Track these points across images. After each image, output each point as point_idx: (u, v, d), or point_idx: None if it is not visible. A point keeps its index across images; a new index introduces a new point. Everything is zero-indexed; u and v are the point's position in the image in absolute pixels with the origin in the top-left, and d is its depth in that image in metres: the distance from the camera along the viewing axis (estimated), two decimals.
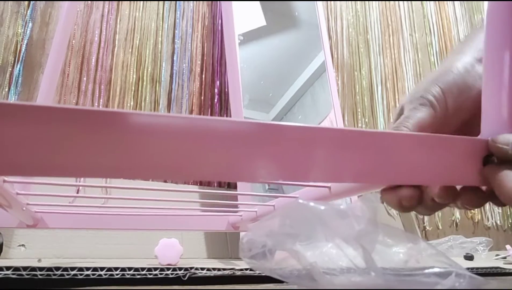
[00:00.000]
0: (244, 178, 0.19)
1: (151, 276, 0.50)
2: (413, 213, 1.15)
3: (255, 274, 0.54)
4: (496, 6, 0.26)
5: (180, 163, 0.18)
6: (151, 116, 0.17)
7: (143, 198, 0.54)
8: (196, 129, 0.18)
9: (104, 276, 0.47)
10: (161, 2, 1.16)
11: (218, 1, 1.22)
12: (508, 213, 1.54)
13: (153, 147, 0.17)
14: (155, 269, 0.50)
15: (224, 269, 0.54)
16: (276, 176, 0.19)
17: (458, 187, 0.26)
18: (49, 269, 0.45)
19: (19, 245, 0.78)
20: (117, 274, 0.48)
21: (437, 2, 1.61)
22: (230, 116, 1.07)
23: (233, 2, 1.07)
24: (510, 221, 1.54)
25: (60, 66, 0.66)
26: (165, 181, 0.94)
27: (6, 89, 0.93)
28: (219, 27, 1.20)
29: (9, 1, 0.98)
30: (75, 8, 0.76)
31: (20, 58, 0.95)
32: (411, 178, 0.22)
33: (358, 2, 1.45)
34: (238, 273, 0.54)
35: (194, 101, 1.12)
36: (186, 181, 1.02)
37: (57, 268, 0.45)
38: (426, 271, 0.20)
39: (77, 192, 0.68)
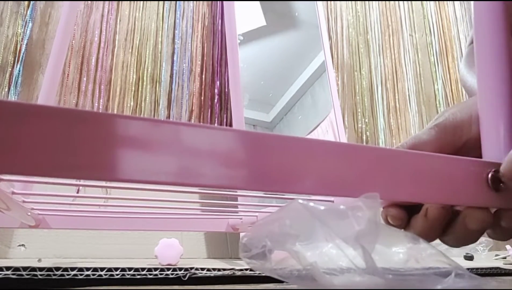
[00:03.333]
0: (242, 187, 0.19)
1: (151, 276, 0.50)
2: None
3: (255, 274, 0.54)
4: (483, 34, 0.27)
5: (176, 169, 0.18)
6: (150, 122, 0.17)
7: (143, 198, 0.54)
8: (189, 136, 0.18)
9: (104, 276, 0.47)
10: (161, 2, 1.16)
11: (218, 1, 1.22)
12: None
13: (148, 153, 0.17)
14: (155, 269, 0.50)
15: (224, 269, 0.53)
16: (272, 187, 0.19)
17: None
18: (49, 269, 0.45)
19: (19, 245, 0.78)
20: (117, 275, 0.48)
21: (437, 2, 1.61)
22: (231, 117, 1.07)
23: (234, 2, 1.07)
24: None
25: (61, 66, 0.66)
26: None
27: (6, 89, 0.93)
28: (219, 27, 1.20)
29: (9, 1, 0.98)
30: (76, 8, 0.76)
31: (20, 58, 0.95)
32: (408, 195, 0.23)
33: (358, 2, 1.45)
34: (238, 273, 0.54)
35: (194, 101, 1.12)
36: None
37: (57, 268, 0.45)
38: (426, 271, 0.20)
39: (77, 192, 0.68)
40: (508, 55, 0.26)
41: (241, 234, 0.77)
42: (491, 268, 0.69)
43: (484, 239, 1.07)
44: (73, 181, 0.64)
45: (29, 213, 0.48)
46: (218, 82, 1.15)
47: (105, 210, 0.57)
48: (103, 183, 0.65)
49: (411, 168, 0.22)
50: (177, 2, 1.18)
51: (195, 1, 1.20)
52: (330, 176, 0.20)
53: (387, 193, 0.22)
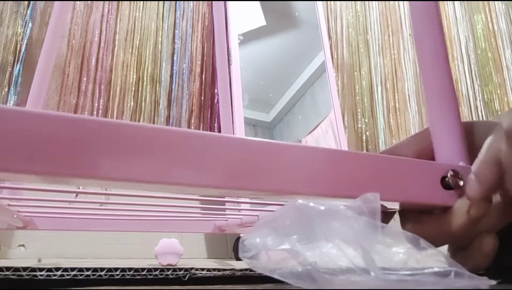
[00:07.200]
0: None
1: (151, 276, 0.50)
2: None
3: (255, 274, 0.54)
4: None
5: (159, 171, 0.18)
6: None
7: (134, 203, 0.54)
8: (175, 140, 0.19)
9: (104, 277, 0.47)
10: (161, 2, 1.16)
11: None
12: None
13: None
14: (155, 269, 0.50)
15: (224, 270, 0.53)
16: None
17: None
18: (49, 269, 0.45)
19: (19, 245, 0.78)
20: (117, 275, 0.48)
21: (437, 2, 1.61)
22: (232, 116, 1.07)
23: (231, 2, 1.07)
24: None
25: (51, 65, 0.66)
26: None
27: (6, 89, 0.93)
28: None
29: (9, 1, 0.98)
30: (68, 6, 0.76)
31: (20, 58, 0.95)
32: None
33: (358, 2, 1.45)
34: (238, 273, 0.54)
35: (194, 101, 1.12)
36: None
37: (57, 269, 0.45)
38: (426, 271, 0.20)
39: (76, 197, 0.68)
40: (448, 67, 0.30)
41: (241, 235, 0.77)
42: None
43: None
44: (65, 188, 0.64)
45: (15, 216, 0.48)
46: (218, 82, 1.15)
47: (97, 213, 0.57)
48: (99, 190, 0.65)
49: (372, 169, 0.24)
50: (177, 2, 1.18)
51: (195, 1, 1.20)
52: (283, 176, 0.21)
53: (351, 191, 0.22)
